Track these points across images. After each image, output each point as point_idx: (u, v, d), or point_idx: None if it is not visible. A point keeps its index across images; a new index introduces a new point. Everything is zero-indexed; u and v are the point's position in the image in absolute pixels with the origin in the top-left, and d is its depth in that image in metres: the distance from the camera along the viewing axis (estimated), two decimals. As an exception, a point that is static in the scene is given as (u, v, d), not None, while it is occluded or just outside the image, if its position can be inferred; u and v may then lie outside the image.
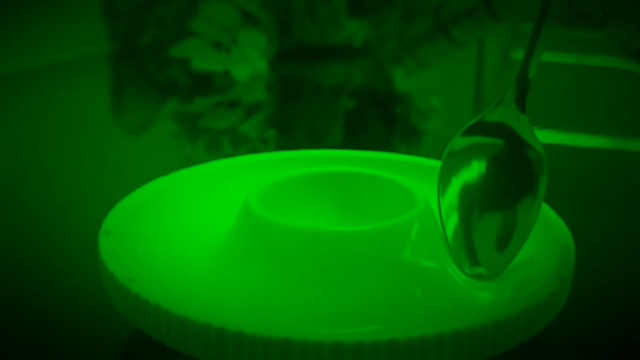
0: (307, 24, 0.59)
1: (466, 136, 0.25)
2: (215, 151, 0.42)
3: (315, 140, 0.45)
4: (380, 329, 0.20)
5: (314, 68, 0.60)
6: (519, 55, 0.74)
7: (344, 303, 0.21)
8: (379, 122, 0.50)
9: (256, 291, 0.22)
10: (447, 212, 0.24)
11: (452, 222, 0.24)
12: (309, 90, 0.56)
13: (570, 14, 0.82)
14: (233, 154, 0.39)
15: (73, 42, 0.58)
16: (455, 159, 0.24)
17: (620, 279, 0.28)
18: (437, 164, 0.29)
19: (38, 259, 0.29)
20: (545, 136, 0.46)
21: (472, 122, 0.25)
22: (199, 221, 0.26)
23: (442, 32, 0.73)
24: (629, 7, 0.79)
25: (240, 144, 0.43)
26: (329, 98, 0.54)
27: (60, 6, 0.57)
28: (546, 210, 0.25)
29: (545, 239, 0.24)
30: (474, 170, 0.24)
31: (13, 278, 0.27)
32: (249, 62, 0.53)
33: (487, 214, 0.24)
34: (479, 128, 0.25)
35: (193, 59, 0.53)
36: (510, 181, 0.24)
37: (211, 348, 0.19)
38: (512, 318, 0.19)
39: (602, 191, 0.37)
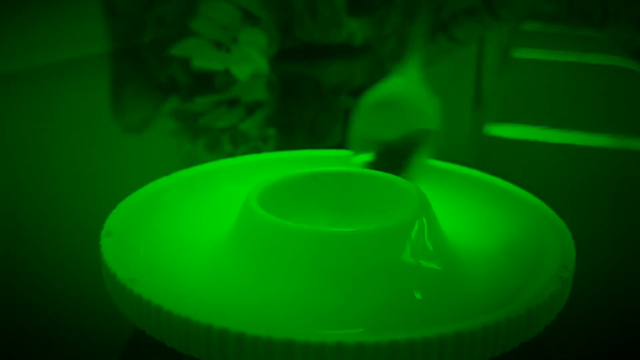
0: (308, 23, 0.59)
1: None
2: (215, 150, 0.42)
3: (315, 139, 0.45)
4: (381, 330, 0.20)
5: (315, 67, 0.60)
6: (519, 54, 0.74)
7: (345, 304, 0.21)
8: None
9: (258, 292, 0.22)
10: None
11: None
12: (310, 90, 0.56)
13: (570, 14, 0.82)
14: (233, 152, 0.39)
15: (73, 42, 0.58)
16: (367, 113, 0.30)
17: (621, 279, 0.28)
18: (438, 164, 0.30)
19: (39, 259, 0.29)
20: (546, 135, 0.46)
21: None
22: (200, 221, 0.26)
23: (442, 31, 0.74)
24: (629, 7, 0.79)
25: (240, 143, 0.43)
26: (329, 97, 0.54)
27: (60, 5, 0.57)
28: (546, 210, 0.25)
29: (546, 239, 0.24)
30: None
31: (14, 278, 0.27)
32: (249, 61, 0.53)
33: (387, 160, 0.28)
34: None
35: (193, 58, 0.53)
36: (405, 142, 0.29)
37: (213, 349, 0.19)
38: (513, 319, 0.19)
39: (603, 190, 0.37)
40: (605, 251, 0.30)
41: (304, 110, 0.51)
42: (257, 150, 0.41)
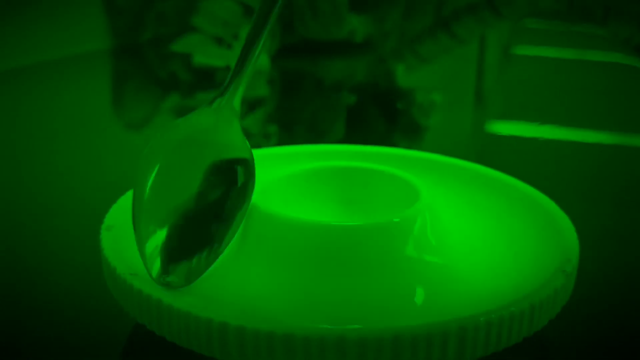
0: (309, 19, 0.59)
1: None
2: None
3: (316, 135, 0.45)
4: (384, 325, 0.20)
5: (316, 64, 0.60)
6: (520, 51, 0.74)
7: (348, 298, 0.21)
8: (380, 117, 0.50)
9: (259, 286, 0.22)
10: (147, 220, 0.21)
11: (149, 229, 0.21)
12: (311, 86, 0.56)
13: (571, 11, 0.82)
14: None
15: (74, 39, 0.58)
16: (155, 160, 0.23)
17: (624, 274, 0.28)
18: (440, 158, 0.29)
19: (39, 254, 0.29)
20: (547, 132, 0.46)
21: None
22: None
23: (444, 28, 0.73)
24: (630, 3, 0.79)
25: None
26: (330, 93, 0.54)
27: (61, 3, 0.57)
28: (550, 205, 0.25)
29: (549, 234, 0.24)
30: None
31: (14, 274, 0.27)
32: (250, 58, 0.53)
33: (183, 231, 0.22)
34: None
35: (194, 54, 0.53)
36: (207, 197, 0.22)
37: (214, 343, 0.19)
38: (516, 314, 0.19)
39: (604, 186, 0.37)
40: (607, 246, 0.30)
41: (305, 106, 0.51)
42: (258, 146, 0.40)
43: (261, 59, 0.53)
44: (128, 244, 0.23)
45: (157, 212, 0.21)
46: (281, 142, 0.42)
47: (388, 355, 0.18)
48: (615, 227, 0.32)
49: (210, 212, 0.22)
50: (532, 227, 0.25)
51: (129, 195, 0.25)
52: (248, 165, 0.23)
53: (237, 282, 0.22)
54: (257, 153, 0.30)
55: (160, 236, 0.21)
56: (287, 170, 0.26)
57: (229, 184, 0.22)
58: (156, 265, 0.21)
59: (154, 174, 0.22)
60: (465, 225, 0.25)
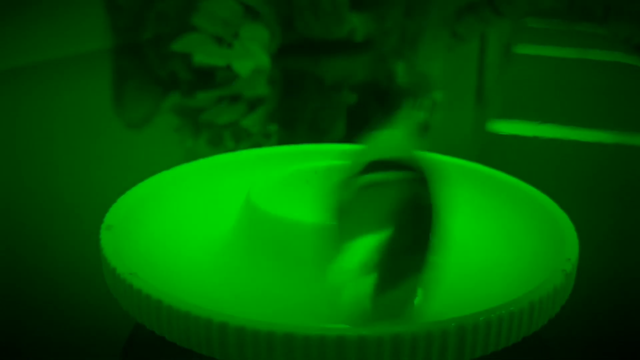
0: (310, 18, 0.59)
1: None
2: (217, 146, 0.42)
3: (317, 134, 0.45)
4: (383, 324, 0.20)
5: (316, 63, 0.60)
6: (520, 50, 0.74)
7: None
8: (381, 116, 0.50)
9: (259, 286, 0.22)
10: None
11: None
12: (311, 85, 0.56)
13: (572, 10, 0.82)
14: (235, 148, 0.39)
15: (74, 38, 0.58)
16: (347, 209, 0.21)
17: (624, 273, 0.28)
18: (440, 158, 0.29)
19: (40, 254, 0.29)
20: (548, 131, 0.46)
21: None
22: (201, 216, 0.26)
23: (445, 27, 0.73)
24: (630, 3, 0.79)
25: (242, 139, 0.43)
26: (331, 93, 0.54)
27: (62, 2, 0.57)
28: (550, 204, 0.25)
29: (549, 233, 0.24)
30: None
31: (14, 273, 0.27)
32: (251, 57, 0.53)
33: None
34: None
35: (195, 53, 0.53)
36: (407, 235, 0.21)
37: (214, 343, 0.19)
38: (516, 313, 0.19)
39: (605, 185, 0.37)
40: (607, 245, 0.30)
41: (305, 105, 0.51)
42: (258, 146, 0.40)
43: (262, 58, 0.53)
44: (128, 243, 0.23)
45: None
46: (282, 141, 0.42)
47: (387, 355, 0.18)
48: (615, 226, 0.32)
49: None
50: (531, 226, 0.25)
51: (129, 194, 0.25)
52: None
53: (236, 283, 0.22)
54: (256, 153, 0.30)
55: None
56: (287, 170, 0.26)
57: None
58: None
59: None
60: (465, 224, 0.25)
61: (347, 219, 0.20)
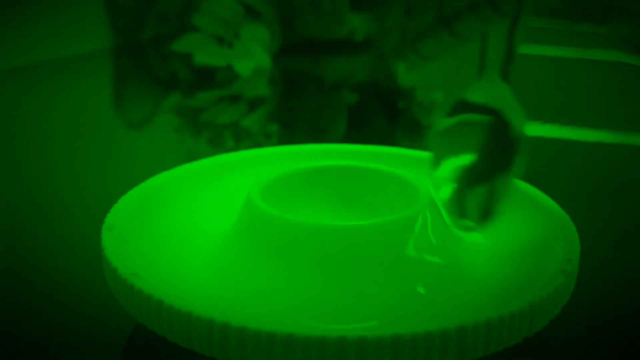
0: (310, 18, 0.59)
1: (451, 116, 0.26)
2: (217, 146, 0.42)
3: (317, 134, 0.45)
4: (384, 325, 0.20)
5: (317, 62, 0.60)
6: (522, 50, 0.74)
7: (348, 298, 0.21)
8: (381, 116, 0.50)
9: (260, 286, 0.22)
10: (440, 182, 0.25)
11: (445, 190, 0.25)
12: (312, 85, 0.56)
13: (573, 9, 0.82)
14: (235, 148, 0.39)
15: (74, 38, 0.58)
16: (442, 138, 0.26)
17: (625, 273, 0.28)
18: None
19: (40, 254, 0.29)
20: (548, 131, 0.46)
21: (456, 101, 0.26)
22: (202, 216, 0.26)
23: (445, 27, 0.73)
24: (631, 2, 0.79)
25: (242, 139, 0.43)
26: (331, 92, 0.54)
27: (62, 2, 0.57)
28: (550, 204, 0.25)
29: (550, 233, 0.24)
30: (459, 148, 0.25)
31: (15, 273, 0.27)
32: (251, 57, 0.53)
33: (473, 186, 0.25)
34: (463, 107, 0.26)
35: (195, 53, 0.53)
36: (491, 159, 0.25)
37: (215, 343, 0.19)
38: (516, 314, 0.19)
39: (606, 186, 0.37)
40: (608, 245, 0.30)
41: (306, 105, 0.51)
42: (259, 146, 0.40)
43: (262, 58, 0.53)
44: (129, 243, 0.23)
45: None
46: (282, 141, 0.42)
47: (388, 356, 0.18)
48: (616, 226, 0.32)
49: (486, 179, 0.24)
50: (532, 226, 0.25)
51: (130, 194, 0.26)
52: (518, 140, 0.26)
53: (237, 283, 0.22)
54: (257, 153, 0.30)
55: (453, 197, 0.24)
56: (288, 170, 0.26)
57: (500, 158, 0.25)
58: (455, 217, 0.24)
59: None
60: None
61: (440, 148, 0.25)
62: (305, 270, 0.22)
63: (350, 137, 0.44)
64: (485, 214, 0.24)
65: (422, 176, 0.27)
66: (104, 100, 0.52)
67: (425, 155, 0.30)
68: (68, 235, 0.30)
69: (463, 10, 0.76)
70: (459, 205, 0.24)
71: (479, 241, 0.25)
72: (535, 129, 0.47)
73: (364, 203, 0.26)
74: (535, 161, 0.41)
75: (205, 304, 0.20)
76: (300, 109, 0.50)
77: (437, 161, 0.25)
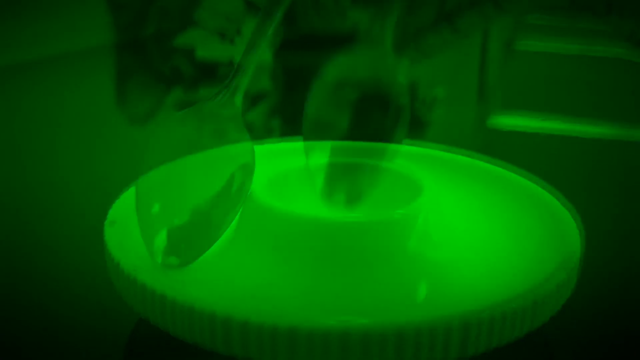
0: (311, 13, 0.59)
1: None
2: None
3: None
4: (387, 320, 0.20)
5: (318, 58, 0.60)
6: (523, 46, 0.74)
7: (351, 293, 0.21)
8: (382, 112, 0.49)
9: (262, 280, 0.22)
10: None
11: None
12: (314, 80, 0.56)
13: (574, 5, 0.82)
14: (237, 144, 0.39)
15: (76, 34, 0.58)
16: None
17: (627, 269, 0.28)
18: (442, 154, 0.29)
19: (42, 249, 0.29)
20: (550, 126, 0.46)
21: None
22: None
23: (446, 23, 0.73)
24: (634, -2, 0.79)
25: (244, 134, 0.42)
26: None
27: (63, -3, 0.57)
28: (553, 200, 0.25)
29: (552, 228, 0.24)
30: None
31: (18, 269, 0.27)
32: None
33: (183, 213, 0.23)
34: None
35: (197, 49, 0.53)
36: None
37: (217, 337, 0.19)
38: (519, 309, 0.19)
39: (608, 181, 0.37)
40: (611, 241, 0.30)
41: (307, 101, 0.50)
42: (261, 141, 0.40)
43: (264, 53, 0.53)
44: (131, 238, 0.23)
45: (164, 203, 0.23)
46: (284, 136, 0.42)
47: (391, 350, 0.18)
48: (618, 221, 0.32)
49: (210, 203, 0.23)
50: (535, 222, 0.25)
51: (132, 190, 0.25)
52: (246, 169, 0.24)
53: (240, 277, 0.22)
54: (260, 148, 0.30)
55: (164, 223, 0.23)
56: (289, 165, 0.26)
57: (227, 185, 0.23)
58: (158, 247, 0.22)
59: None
60: (468, 220, 0.26)
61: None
62: (308, 265, 0.22)
63: (351, 133, 0.44)
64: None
65: (423, 172, 0.27)
66: (106, 96, 0.52)
67: (427, 151, 0.30)
68: (71, 230, 0.30)
69: (464, 6, 0.76)
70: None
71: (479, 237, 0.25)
72: (537, 125, 0.47)
73: (366, 199, 0.26)
74: (537, 156, 0.41)
75: (207, 298, 0.20)
76: (302, 104, 0.50)
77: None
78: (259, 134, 0.43)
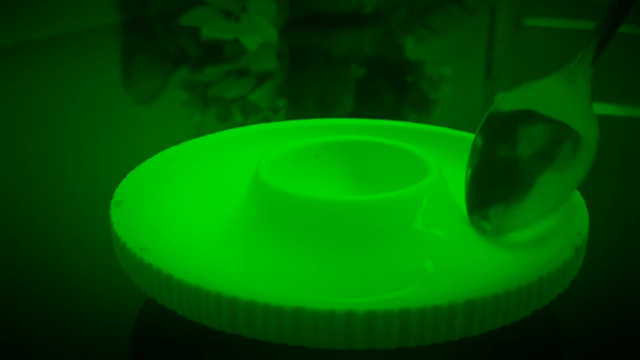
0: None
1: (509, 102, 0.25)
2: (225, 120, 0.42)
3: (325, 109, 0.45)
4: (392, 299, 0.20)
5: (324, 36, 0.59)
6: (531, 22, 0.73)
7: (356, 273, 0.21)
8: (389, 91, 0.49)
9: (268, 261, 0.22)
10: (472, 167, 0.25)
11: (474, 178, 0.25)
12: (319, 59, 0.56)
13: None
14: (243, 123, 0.39)
15: (83, 13, 0.58)
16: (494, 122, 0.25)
17: (634, 248, 0.28)
18: (449, 132, 0.29)
19: (50, 230, 0.29)
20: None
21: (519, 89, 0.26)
22: (210, 191, 0.26)
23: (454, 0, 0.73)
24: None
25: (250, 113, 0.43)
26: (339, 67, 0.54)
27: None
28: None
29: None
30: (506, 137, 0.25)
31: (25, 249, 0.27)
32: (258, 31, 0.53)
33: (506, 179, 0.24)
34: (522, 98, 0.26)
35: (202, 27, 0.53)
36: (535, 155, 0.24)
37: (224, 317, 0.19)
38: (524, 288, 0.19)
39: (615, 160, 0.37)
40: (617, 220, 0.30)
41: (313, 79, 0.50)
42: (267, 120, 0.40)
43: (269, 32, 0.53)
44: (138, 218, 0.23)
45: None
46: (290, 116, 0.42)
47: (396, 329, 0.18)
48: (625, 201, 0.32)
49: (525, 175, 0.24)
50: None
51: (138, 169, 0.26)
52: (577, 144, 0.25)
53: (246, 257, 0.22)
54: (265, 127, 0.30)
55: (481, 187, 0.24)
56: (295, 145, 0.26)
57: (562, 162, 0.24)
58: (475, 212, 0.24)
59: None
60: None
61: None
62: (313, 244, 0.22)
63: (358, 111, 0.44)
64: (510, 217, 0.23)
65: (430, 150, 0.27)
66: (112, 76, 0.52)
67: (434, 129, 0.30)
68: (77, 211, 0.30)
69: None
70: (482, 199, 0.24)
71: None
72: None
73: (372, 178, 0.26)
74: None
75: (214, 278, 0.20)
76: (308, 83, 0.50)
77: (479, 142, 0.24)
78: (265, 113, 0.43)
